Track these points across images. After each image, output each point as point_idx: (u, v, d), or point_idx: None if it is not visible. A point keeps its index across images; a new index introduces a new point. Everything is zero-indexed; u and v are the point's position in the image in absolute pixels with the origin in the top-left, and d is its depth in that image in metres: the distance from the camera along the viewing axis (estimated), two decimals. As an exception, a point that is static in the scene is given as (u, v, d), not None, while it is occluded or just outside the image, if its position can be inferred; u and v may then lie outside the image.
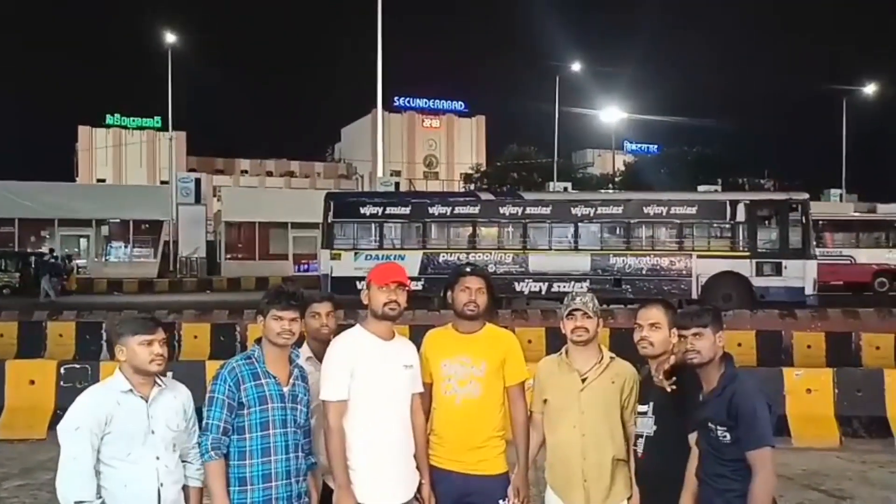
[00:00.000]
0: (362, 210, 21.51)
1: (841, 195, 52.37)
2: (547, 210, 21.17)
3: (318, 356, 3.86)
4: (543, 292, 20.39)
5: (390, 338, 3.71)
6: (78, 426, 3.19)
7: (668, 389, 3.56)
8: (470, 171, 64.11)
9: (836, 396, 8.73)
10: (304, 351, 3.96)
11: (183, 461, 3.43)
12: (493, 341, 3.88)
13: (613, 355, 3.81)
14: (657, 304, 3.74)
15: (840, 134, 53.76)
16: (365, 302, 3.71)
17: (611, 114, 58.02)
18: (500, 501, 3.78)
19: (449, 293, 3.88)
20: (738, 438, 3.24)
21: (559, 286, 19.61)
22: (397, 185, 47.29)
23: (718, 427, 3.29)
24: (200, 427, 3.47)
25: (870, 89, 53.57)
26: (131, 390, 3.30)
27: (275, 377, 3.53)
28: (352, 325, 3.78)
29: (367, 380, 3.59)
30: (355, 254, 20.67)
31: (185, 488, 3.42)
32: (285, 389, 3.54)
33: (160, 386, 3.37)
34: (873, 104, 54.48)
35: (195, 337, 13.37)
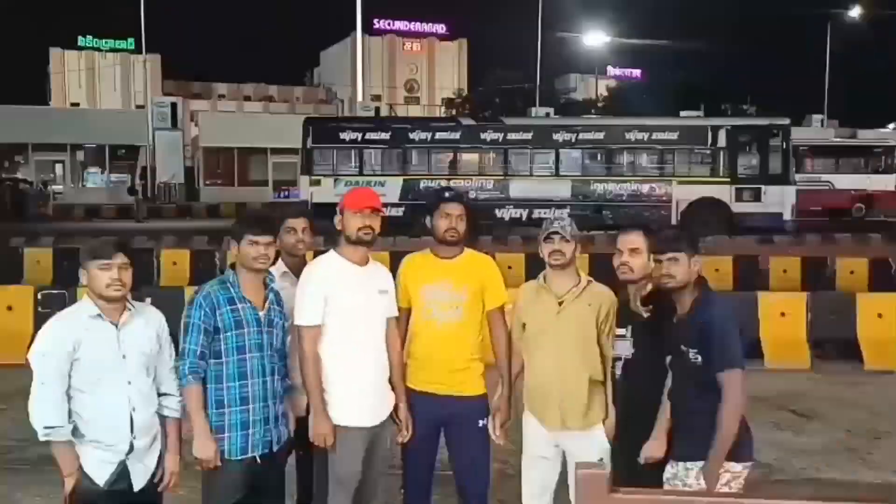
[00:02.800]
0: (342, 135, 21.33)
1: (822, 121, 52.26)
2: (528, 136, 21.11)
3: (294, 271, 3.89)
4: (524, 218, 20.45)
5: (364, 263, 3.72)
6: (45, 352, 3.16)
7: (645, 315, 3.60)
8: (452, 97, 63.30)
9: (809, 320, 8.89)
10: (279, 267, 3.96)
11: (162, 394, 3.42)
12: (473, 266, 3.91)
13: (591, 279, 3.83)
14: (637, 229, 3.76)
15: (824, 59, 53.34)
16: (339, 227, 3.69)
17: (594, 37, 57.05)
18: (480, 421, 3.86)
19: (429, 219, 3.88)
20: (709, 360, 3.30)
21: (540, 212, 19.65)
22: (377, 110, 46.66)
23: (690, 350, 3.34)
24: (177, 353, 3.47)
25: (854, 12, 52.95)
26: (100, 315, 3.25)
27: (250, 302, 3.52)
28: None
29: (342, 305, 3.61)
30: (335, 180, 20.54)
31: (164, 419, 3.42)
32: (261, 314, 3.53)
33: (130, 310, 3.32)
34: (857, 28, 53.92)
35: (174, 263, 13.32)
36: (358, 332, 3.64)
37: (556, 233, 3.72)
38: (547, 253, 3.74)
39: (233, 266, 3.61)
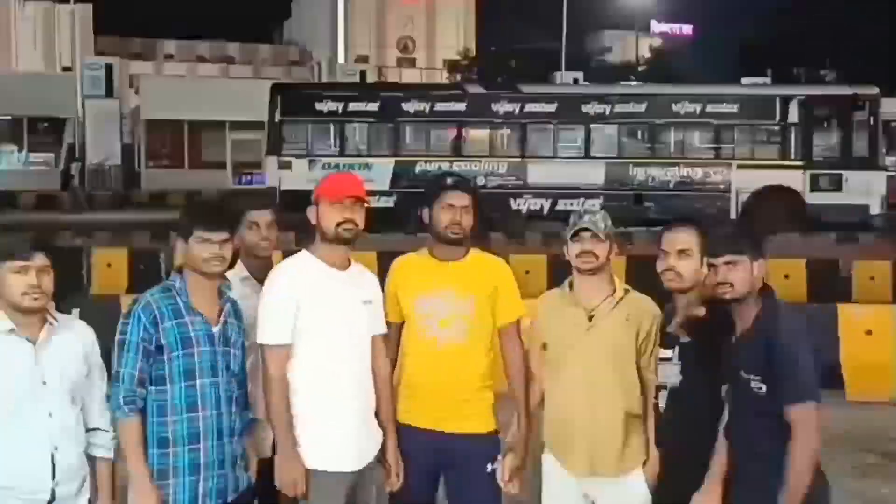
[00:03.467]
0: (319, 106, 21.36)
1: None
2: (552, 107, 21.15)
3: (257, 276, 3.91)
4: (546, 211, 20.49)
5: (345, 266, 3.73)
6: None
7: (682, 327, 3.61)
8: (456, 58, 63.42)
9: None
10: (238, 271, 3.98)
11: (91, 429, 3.43)
12: (481, 271, 3.93)
13: (629, 288, 3.85)
14: (687, 226, 3.77)
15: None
16: (313, 221, 3.70)
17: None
18: (489, 465, 3.87)
19: (426, 212, 3.89)
20: (776, 391, 3.30)
21: (566, 203, 19.65)
22: (363, 74, 46.77)
23: (752, 377, 3.35)
24: (109, 377, 3.47)
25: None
26: (13, 330, 3.25)
27: (201, 314, 3.52)
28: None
29: (316, 318, 3.61)
30: (310, 162, 20.57)
31: (94, 460, 3.43)
32: (215, 329, 3.54)
33: (52, 325, 3.34)
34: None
35: (109, 265, 13.37)
36: (336, 352, 3.65)
37: (587, 229, 3.72)
38: (574, 254, 3.75)
39: (180, 270, 3.61)
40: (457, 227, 3.83)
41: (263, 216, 4.09)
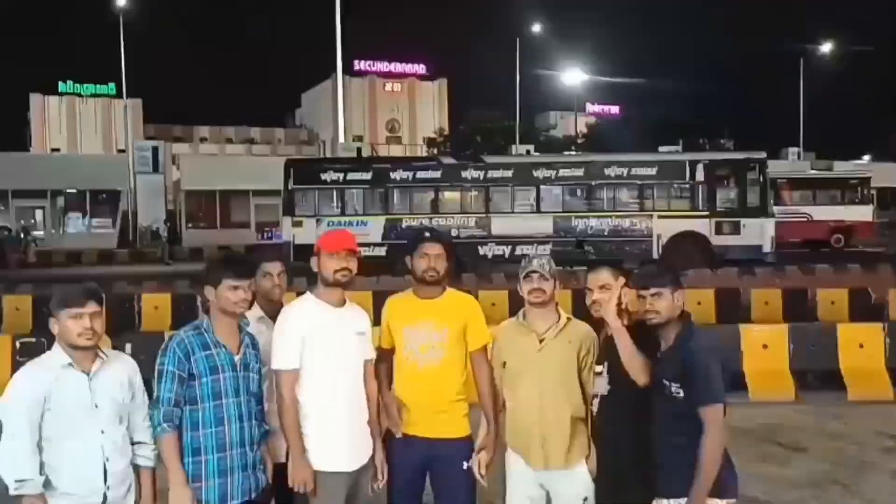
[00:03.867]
0: (324, 176, 21.37)
1: (798, 153, 52.95)
2: (509, 173, 21.25)
3: (270, 316, 3.86)
4: (507, 255, 20.48)
5: (341, 305, 3.71)
6: (15, 403, 3.12)
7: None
8: (433, 136, 63.80)
9: (792, 351, 8.90)
10: (255, 311, 3.93)
11: (135, 442, 3.37)
12: (455, 306, 3.90)
13: (570, 316, 3.83)
14: (604, 266, 3.76)
15: (798, 92, 54.32)
16: (315, 269, 3.68)
17: (572, 75, 57.82)
18: (465, 463, 3.82)
19: (409, 259, 3.87)
20: (691, 394, 3.29)
21: (522, 249, 19.67)
22: (359, 150, 46.85)
23: (672, 384, 3.34)
24: (151, 400, 3.42)
25: (826, 48, 54.10)
26: (71, 364, 3.21)
27: (225, 346, 3.49)
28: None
29: (319, 347, 3.58)
30: (317, 221, 20.52)
31: (138, 469, 3.37)
32: (236, 358, 3.50)
33: (102, 359, 3.29)
34: (830, 63, 55.04)
35: (155, 308, 13.20)
36: (335, 375, 3.61)
37: (535, 271, 3.72)
38: (527, 291, 3.75)
39: (206, 310, 3.57)
40: (432, 272, 3.80)
41: (275, 267, 4.04)
